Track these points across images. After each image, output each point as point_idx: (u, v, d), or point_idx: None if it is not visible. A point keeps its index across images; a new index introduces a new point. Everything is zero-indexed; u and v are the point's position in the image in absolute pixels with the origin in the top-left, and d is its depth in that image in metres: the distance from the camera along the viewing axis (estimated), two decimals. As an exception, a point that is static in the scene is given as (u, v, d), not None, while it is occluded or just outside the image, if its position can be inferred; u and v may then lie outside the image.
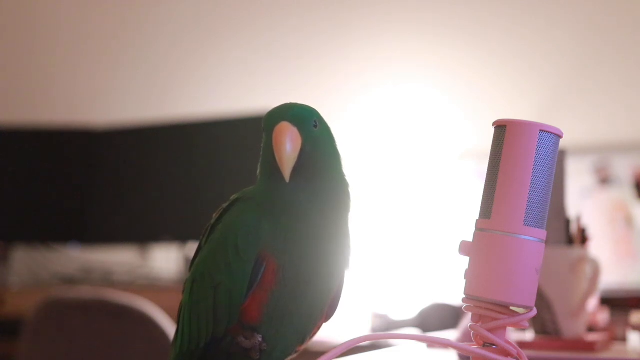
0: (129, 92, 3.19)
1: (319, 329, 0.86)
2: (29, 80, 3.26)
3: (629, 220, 2.55)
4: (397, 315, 2.35)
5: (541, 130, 0.77)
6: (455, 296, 2.50)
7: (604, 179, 2.59)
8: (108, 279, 2.79)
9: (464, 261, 0.79)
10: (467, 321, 1.24)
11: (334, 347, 0.78)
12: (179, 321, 0.86)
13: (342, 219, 0.83)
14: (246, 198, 0.83)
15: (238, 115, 2.71)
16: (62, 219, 2.88)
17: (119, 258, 2.99)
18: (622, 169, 2.58)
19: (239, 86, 3.07)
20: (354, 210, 0.85)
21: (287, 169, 0.78)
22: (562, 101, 2.74)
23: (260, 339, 0.80)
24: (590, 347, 1.15)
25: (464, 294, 0.78)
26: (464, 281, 0.78)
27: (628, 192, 2.56)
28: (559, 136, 0.78)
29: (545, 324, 1.21)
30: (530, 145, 0.77)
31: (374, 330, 2.35)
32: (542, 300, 1.20)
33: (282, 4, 3.05)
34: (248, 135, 2.63)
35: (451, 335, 1.35)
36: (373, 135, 2.89)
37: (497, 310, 0.77)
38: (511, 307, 0.77)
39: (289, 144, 0.79)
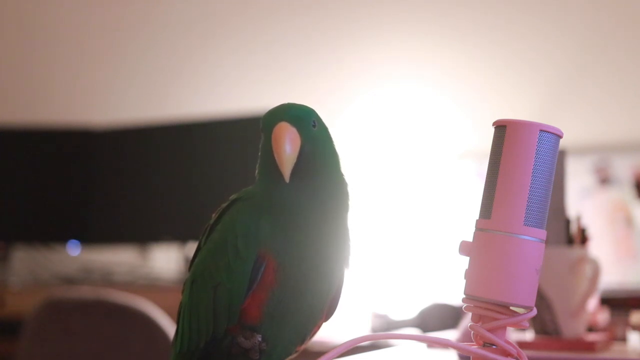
0: (128, 92, 3.19)
1: (319, 328, 0.86)
2: (29, 80, 3.26)
3: (629, 220, 2.55)
4: (397, 315, 2.36)
5: (541, 130, 0.77)
6: (455, 296, 2.50)
7: (604, 179, 2.59)
8: (108, 279, 2.79)
9: (464, 261, 0.79)
10: (467, 321, 1.24)
11: (334, 347, 0.78)
12: (178, 321, 0.86)
13: (341, 219, 0.83)
14: (245, 198, 0.84)
15: (238, 115, 2.71)
16: (62, 219, 2.88)
17: (119, 258, 2.99)
18: (622, 169, 2.58)
19: (239, 86, 3.07)
20: (354, 210, 0.85)
21: (286, 169, 0.78)
22: (562, 101, 2.74)
23: (259, 339, 0.80)
24: (590, 347, 1.15)
25: (464, 294, 0.78)
26: (464, 281, 0.78)
27: (628, 192, 2.56)
28: (559, 136, 0.78)
29: (545, 324, 1.21)
30: (530, 145, 0.77)
31: (374, 330, 2.36)
32: (542, 300, 1.20)
33: (282, 4, 3.05)
34: (248, 135, 2.63)
35: (451, 335, 1.35)
36: (373, 135, 2.89)
37: (497, 310, 0.77)
38: (511, 307, 0.77)
39: (288, 144, 0.79)
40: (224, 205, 0.85)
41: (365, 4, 2.96)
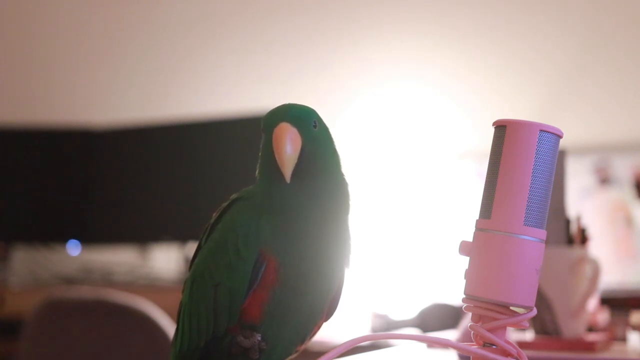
0: (129, 92, 3.19)
1: (319, 328, 0.86)
2: (29, 80, 3.26)
3: (629, 220, 2.55)
4: (397, 315, 2.35)
5: (541, 130, 0.77)
6: (455, 296, 2.50)
7: (604, 179, 2.59)
8: (108, 279, 2.79)
9: (464, 261, 0.79)
10: (467, 321, 1.24)
11: (334, 347, 0.78)
12: (178, 321, 0.86)
13: (341, 219, 0.83)
14: (246, 197, 0.84)
15: (238, 115, 2.71)
16: (62, 219, 2.88)
17: (119, 258, 2.99)
18: (622, 169, 2.58)
19: (239, 86, 3.07)
20: (354, 210, 0.85)
21: (287, 170, 0.79)
22: (562, 101, 2.74)
23: (259, 339, 0.80)
24: (590, 347, 1.15)
25: (464, 294, 0.78)
26: (464, 281, 0.78)
27: (628, 192, 2.56)
28: (559, 136, 0.78)
29: (545, 324, 1.21)
30: (530, 145, 0.77)
31: (374, 330, 2.35)
32: (542, 300, 1.20)
33: (282, 4, 3.05)
34: (248, 135, 2.63)
35: (451, 335, 1.35)
36: (373, 135, 2.89)
37: (497, 310, 0.77)
38: (511, 307, 0.77)
39: (289, 144, 0.79)
40: (225, 204, 0.85)
41: (365, 4, 2.96)
